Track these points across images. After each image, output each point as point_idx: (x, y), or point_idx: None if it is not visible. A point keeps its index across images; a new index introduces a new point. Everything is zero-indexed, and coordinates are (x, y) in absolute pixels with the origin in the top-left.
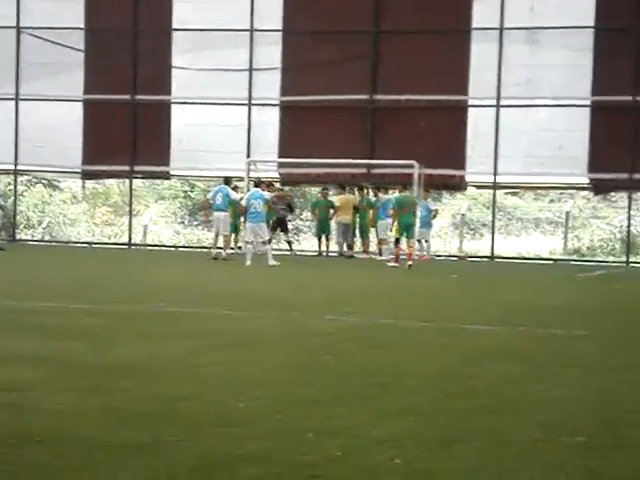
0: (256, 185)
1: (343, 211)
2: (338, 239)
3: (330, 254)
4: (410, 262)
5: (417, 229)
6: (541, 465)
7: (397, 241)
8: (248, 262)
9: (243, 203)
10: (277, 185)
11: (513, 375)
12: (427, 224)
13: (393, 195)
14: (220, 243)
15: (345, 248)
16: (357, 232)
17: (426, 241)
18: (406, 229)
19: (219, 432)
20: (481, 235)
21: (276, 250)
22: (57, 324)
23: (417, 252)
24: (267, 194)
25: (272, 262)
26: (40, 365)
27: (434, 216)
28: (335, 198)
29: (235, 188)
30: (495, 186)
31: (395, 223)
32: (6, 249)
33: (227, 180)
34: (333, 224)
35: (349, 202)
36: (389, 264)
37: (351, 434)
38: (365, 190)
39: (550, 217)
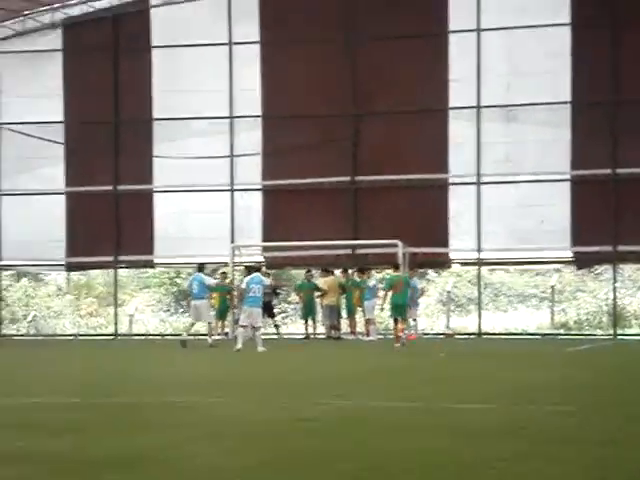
0: (257, 270)
1: (329, 293)
2: (325, 321)
3: (317, 336)
4: (398, 344)
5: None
6: None
7: (395, 321)
8: (239, 346)
9: (243, 286)
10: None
11: (506, 454)
12: (414, 303)
13: (384, 275)
14: (203, 330)
15: (332, 330)
16: (344, 313)
17: (413, 320)
18: (397, 308)
19: None
20: (468, 312)
21: (264, 334)
22: (43, 420)
23: (405, 331)
24: (266, 280)
25: (261, 348)
26: (24, 463)
27: (420, 295)
28: (320, 281)
29: (224, 274)
30: (479, 262)
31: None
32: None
33: (201, 267)
34: (319, 306)
35: (334, 284)
36: (396, 345)
37: None
38: (350, 271)
39: (536, 292)
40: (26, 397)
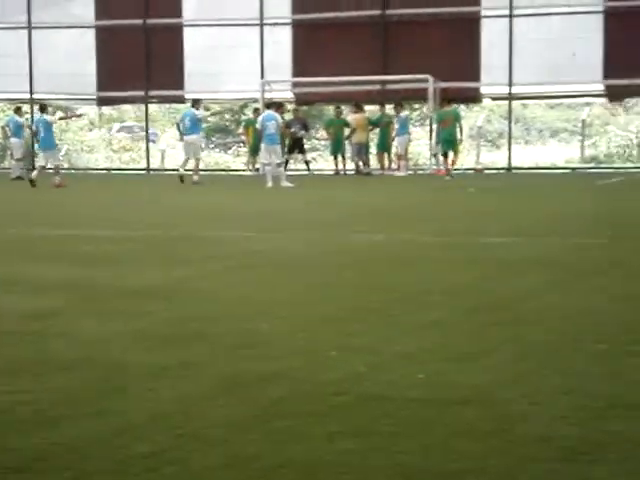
0: (268, 107)
1: (358, 130)
2: (354, 158)
3: (347, 172)
4: (448, 176)
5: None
6: (564, 373)
7: (445, 155)
8: (269, 184)
9: (258, 126)
10: (289, 105)
11: (534, 286)
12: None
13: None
14: (190, 165)
15: (362, 166)
16: (373, 149)
17: (435, 155)
18: (447, 143)
19: (244, 353)
20: (498, 147)
21: (294, 170)
22: (81, 251)
23: (434, 166)
24: (278, 116)
25: (285, 184)
26: (64, 292)
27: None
28: (350, 117)
29: (257, 110)
30: (510, 97)
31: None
32: (25, 179)
33: (194, 103)
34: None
35: (364, 121)
36: (446, 177)
37: (374, 350)
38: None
39: (566, 126)
40: (62, 229)
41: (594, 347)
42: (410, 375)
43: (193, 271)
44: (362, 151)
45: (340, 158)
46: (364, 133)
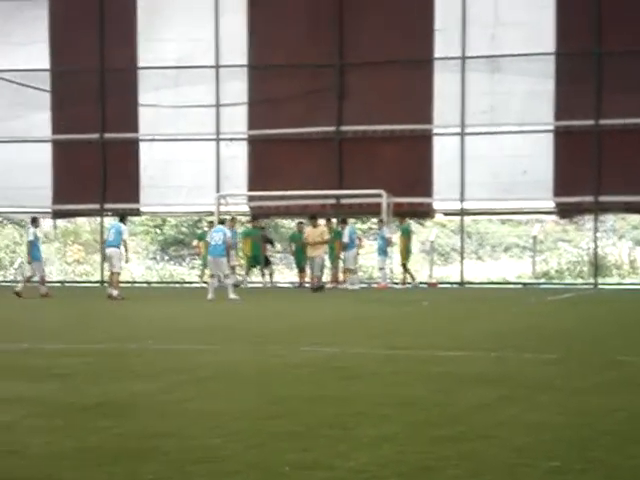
0: (221, 222)
1: (316, 244)
2: (315, 272)
3: (307, 285)
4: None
5: (376, 257)
6: None
7: (404, 266)
8: (210, 296)
9: (207, 238)
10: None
11: (485, 401)
12: (384, 252)
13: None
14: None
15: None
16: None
17: (380, 269)
18: (410, 255)
19: (197, 469)
20: (451, 261)
21: (258, 283)
22: (32, 365)
23: (379, 280)
24: (228, 230)
25: (232, 296)
26: (16, 407)
27: (389, 244)
28: (307, 231)
29: (211, 223)
30: (462, 213)
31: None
32: None
33: (122, 217)
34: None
35: (319, 235)
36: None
37: (328, 466)
38: (333, 221)
39: (518, 242)
40: (14, 342)
41: (547, 464)
42: None
43: (146, 385)
44: (320, 265)
45: (304, 271)
46: (316, 248)
